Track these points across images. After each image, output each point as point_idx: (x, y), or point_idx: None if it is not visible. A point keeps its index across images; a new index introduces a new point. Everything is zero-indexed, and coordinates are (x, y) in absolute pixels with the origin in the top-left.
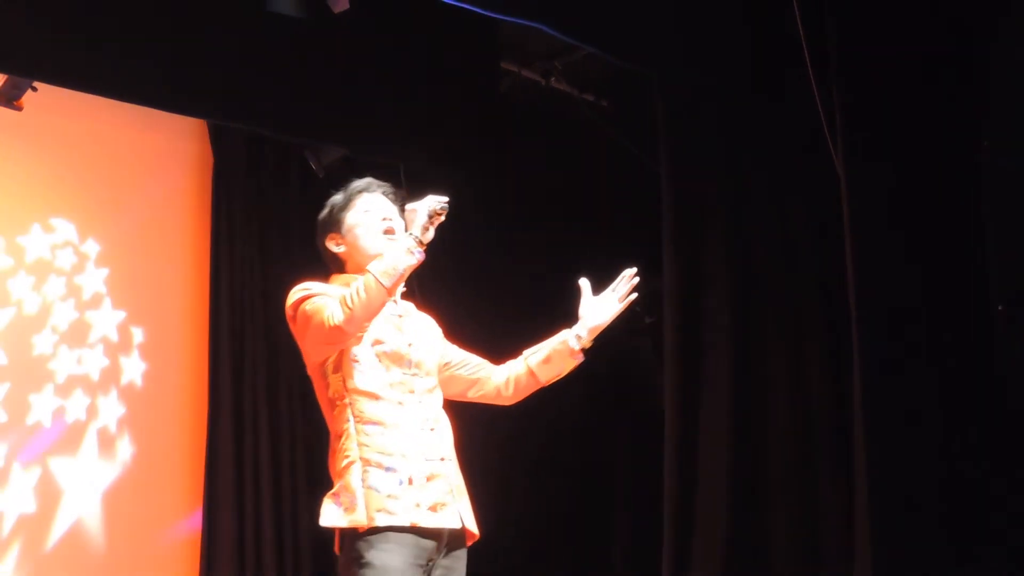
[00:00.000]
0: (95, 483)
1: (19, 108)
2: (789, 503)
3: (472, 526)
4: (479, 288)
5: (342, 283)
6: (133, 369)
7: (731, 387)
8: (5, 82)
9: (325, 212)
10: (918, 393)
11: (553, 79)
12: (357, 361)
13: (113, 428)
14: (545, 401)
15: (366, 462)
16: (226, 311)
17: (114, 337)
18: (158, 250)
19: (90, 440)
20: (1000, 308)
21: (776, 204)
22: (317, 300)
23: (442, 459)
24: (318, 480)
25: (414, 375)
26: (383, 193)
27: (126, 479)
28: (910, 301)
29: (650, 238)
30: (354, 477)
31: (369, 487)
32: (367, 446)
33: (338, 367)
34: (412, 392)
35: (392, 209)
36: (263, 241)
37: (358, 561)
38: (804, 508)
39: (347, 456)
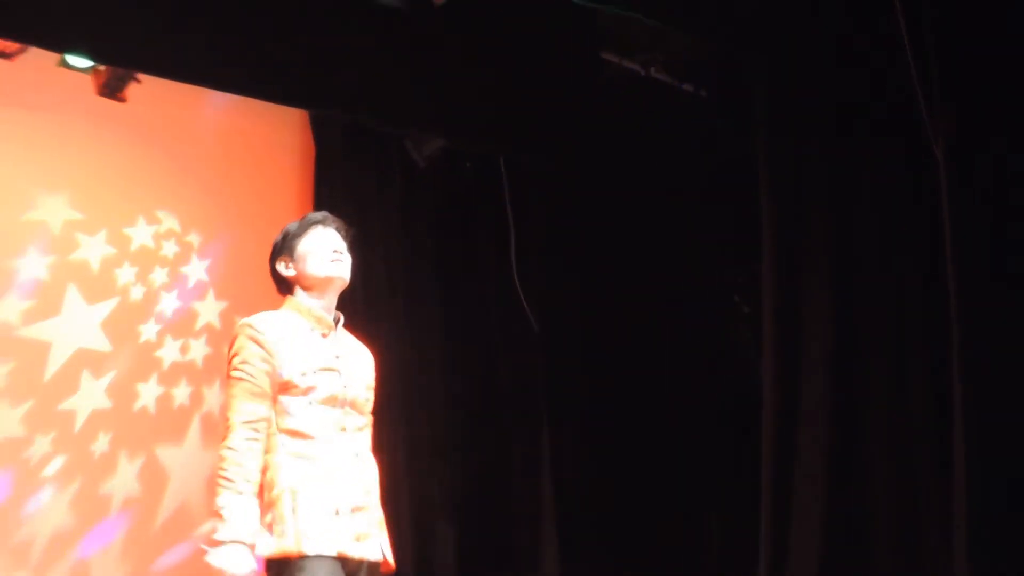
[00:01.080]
0: (199, 469)
1: (123, 100)
2: (888, 489)
3: (390, 558)
4: (594, 269)
5: (293, 307)
6: None
7: (829, 376)
8: (108, 75)
9: (279, 238)
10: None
11: (653, 69)
12: (289, 406)
13: (217, 415)
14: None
15: (295, 492)
16: None
17: (217, 325)
18: (260, 239)
19: (194, 427)
20: None
21: (878, 192)
22: (236, 379)
23: (367, 492)
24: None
25: (346, 414)
26: (335, 228)
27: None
28: (1011, 302)
29: (749, 226)
30: (285, 507)
31: (298, 516)
32: (297, 478)
33: (266, 421)
34: (344, 430)
35: (342, 244)
36: (366, 234)
37: (284, 573)
38: (903, 493)
39: (278, 486)
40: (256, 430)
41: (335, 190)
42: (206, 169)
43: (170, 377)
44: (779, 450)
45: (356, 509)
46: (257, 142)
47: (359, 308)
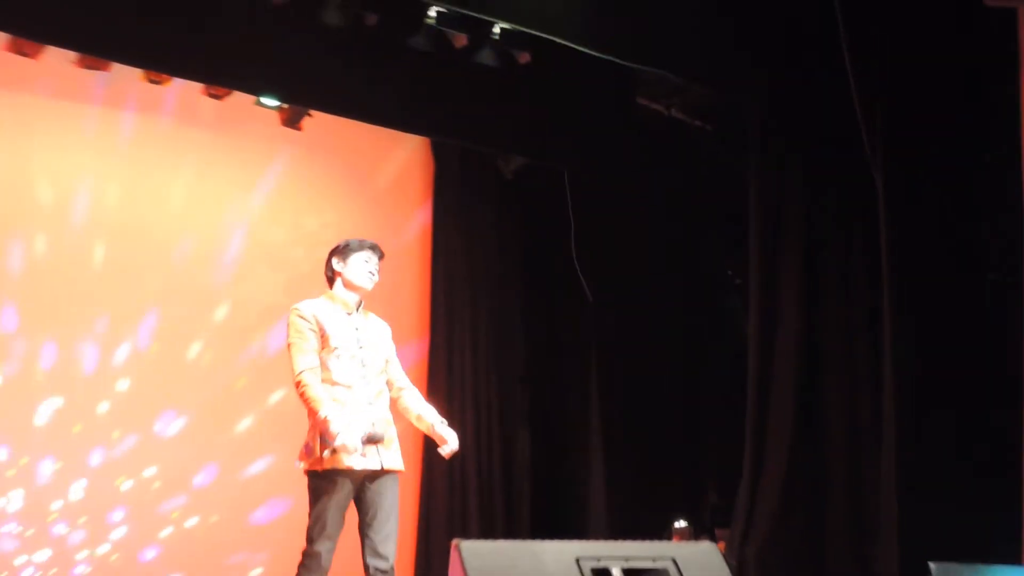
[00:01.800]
0: None
1: (300, 129)
2: (840, 410)
3: (392, 466)
4: (630, 255)
5: (328, 296)
6: None
7: (796, 331)
8: (291, 111)
9: (343, 244)
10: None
11: (673, 110)
12: (325, 361)
13: None
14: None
15: (324, 424)
16: (442, 286)
17: None
18: (394, 229)
19: None
20: None
21: (834, 202)
22: (296, 343)
23: (372, 424)
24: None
25: (363, 366)
26: (378, 256)
27: None
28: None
29: (740, 224)
30: (315, 432)
31: (322, 439)
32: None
33: (318, 366)
34: (363, 377)
35: (377, 266)
36: (470, 228)
37: (315, 489)
38: (851, 414)
39: (311, 421)
40: (313, 372)
41: (449, 195)
42: (358, 175)
43: None
44: (760, 381)
45: (365, 437)
46: (393, 159)
47: (468, 291)
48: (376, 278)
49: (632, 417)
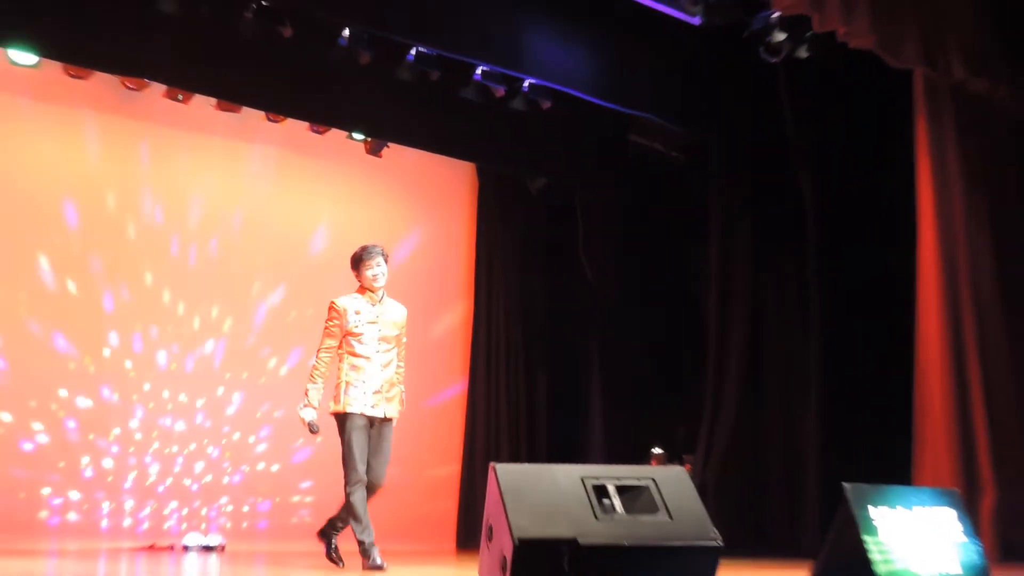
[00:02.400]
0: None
1: (380, 157)
2: (775, 362)
3: (391, 415)
4: (624, 250)
5: (359, 290)
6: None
7: (747, 310)
8: (373, 143)
9: (359, 251)
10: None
11: (657, 143)
12: (350, 341)
13: None
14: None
15: (347, 384)
16: (483, 270)
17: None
18: (448, 239)
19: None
20: None
21: (773, 217)
22: (326, 331)
23: (380, 387)
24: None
25: (379, 342)
26: (383, 257)
27: (417, 374)
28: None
29: (704, 230)
30: (342, 390)
31: (346, 393)
32: (349, 378)
33: (341, 342)
34: (379, 351)
35: (383, 267)
36: (505, 230)
37: (342, 426)
38: (787, 365)
39: (342, 380)
40: (328, 353)
41: (488, 206)
42: (422, 191)
43: None
44: (718, 345)
45: (375, 392)
46: (448, 178)
47: (502, 274)
48: (382, 279)
49: (622, 370)
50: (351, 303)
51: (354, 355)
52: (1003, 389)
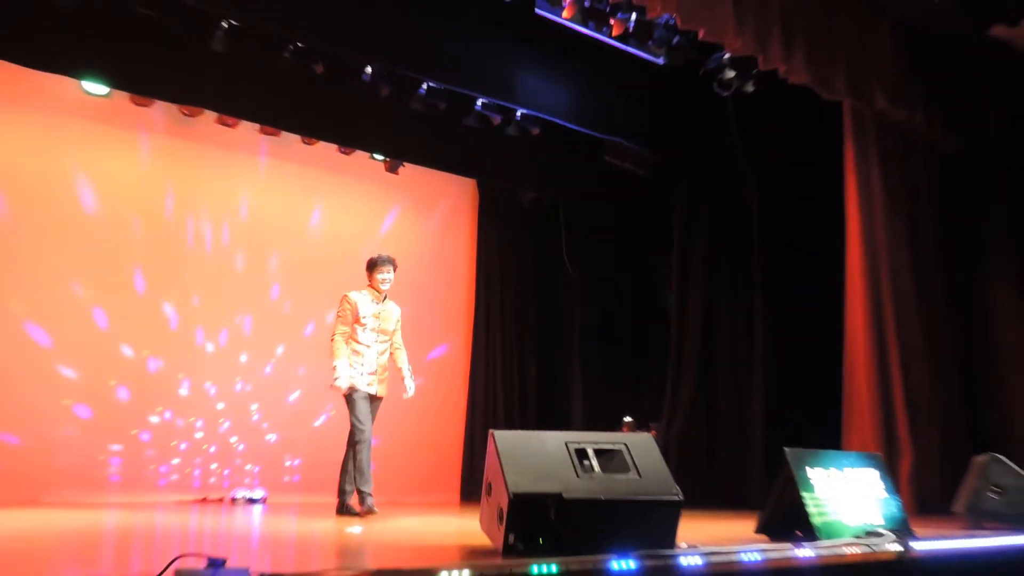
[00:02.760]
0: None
1: (397, 174)
2: (726, 359)
3: (381, 394)
4: (600, 255)
5: (368, 290)
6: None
7: (703, 305)
8: (391, 161)
9: (371, 260)
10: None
11: (627, 163)
12: (356, 330)
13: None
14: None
15: (350, 364)
16: (483, 270)
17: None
18: (449, 245)
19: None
20: None
21: (727, 228)
22: (340, 317)
23: (376, 370)
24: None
25: (377, 333)
26: (391, 266)
27: (427, 357)
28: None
29: (669, 239)
30: (346, 371)
31: (352, 376)
32: (353, 359)
33: (348, 333)
34: (376, 341)
35: (391, 274)
36: (501, 236)
37: (349, 397)
38: (732, 359)
39: (344, 363)
40: (342, 336)
41: (487, 215)
42: (431, 202)
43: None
44: (679, 333)
45: (372, 373)
46: (452, 192)
47: (499, 273)
48: (388, 284)
49: (599, 354)
50: (360, 298)
51: (356, 342)
52: (917, 370)
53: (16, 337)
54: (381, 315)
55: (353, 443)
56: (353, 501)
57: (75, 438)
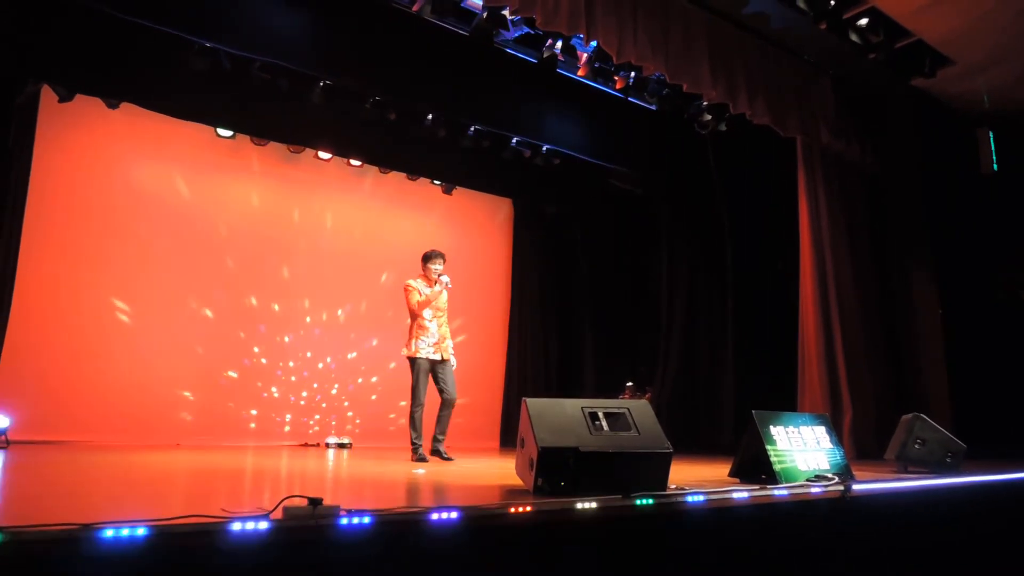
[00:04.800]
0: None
1: (450, 195)
2: (705, 342)
3: (447, 357)
4: (602, 265)
5: (422, 278)
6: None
7: (687, 297)
8: (444, 185)
9: (426, 254)
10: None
11: (628, 186)
12: (419, 307)
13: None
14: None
15: (416, 338)
16: (518, 269)
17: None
18: (488, 257)
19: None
20: None
21: (705, 241)
22: (410, 295)
23: (438, 339)
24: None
25: (435, 311)
26: (443, 259)
27: (473, 338)
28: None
29: (656, 251)
30: (413, 339)
31: (416, 344)
32: (416, 332)
33: (413, 310)
34: (436, 316)
35: (441, 266)
36: (532, 241)
37: (413, 366)
38: (709, 342)
39: (412, 334)
40: (419, 305)
41: (521, 225)
42: (477, 215)
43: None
44: (667, 317)
45: (434, 344)
46: (496, 209)
47: (532, 270)
48: (438, 274)
49: (606, 333)
50: (418, 283)
51: (421, 318)
52: (856, 345)
53: (191, 316)
54: (437, 297)
55: (411, 404)
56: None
57: (219, 394)
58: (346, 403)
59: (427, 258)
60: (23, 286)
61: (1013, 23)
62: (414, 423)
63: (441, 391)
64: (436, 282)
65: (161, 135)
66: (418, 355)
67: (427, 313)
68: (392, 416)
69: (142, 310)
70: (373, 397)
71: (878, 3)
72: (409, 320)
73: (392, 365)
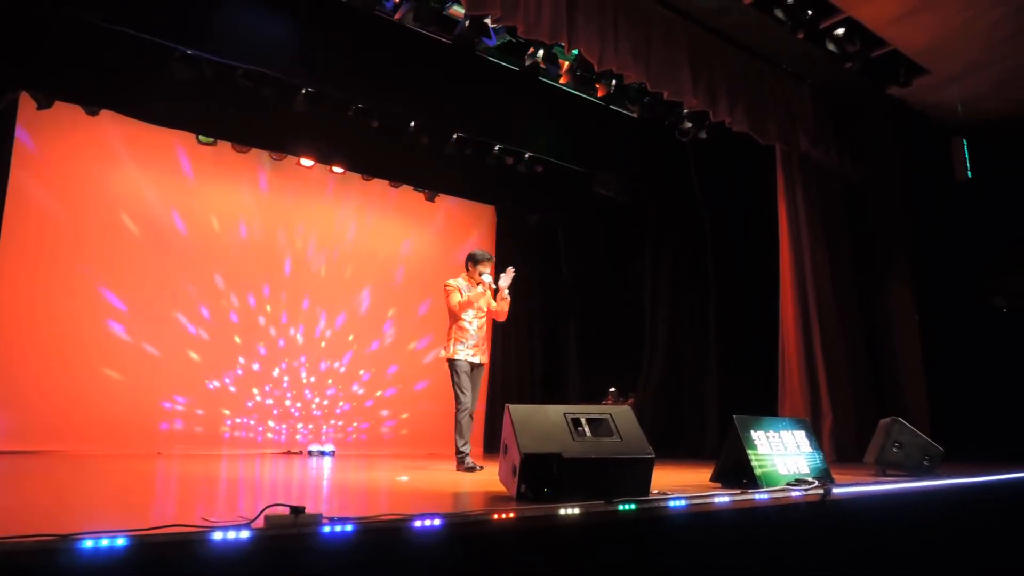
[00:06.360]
0: None
1: (433, 202)
2: (689, 347)
3: (485, 361)
4: (591, 267)
5: (465, 277)
6: None
7: (669, 304)
8: (428, 192)
9: (476, 251)
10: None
11: (613, 193)
12: (460, 308)
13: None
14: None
15: (455, 339)
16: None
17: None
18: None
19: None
20: None
21: (688, 244)
22: (450, 295)
23: (479, 341)
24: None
25: (476, 310)
26: (491, 262)
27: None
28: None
29: (641, 257)
30: (452, 342)
31: (455, 346)
32: (456, 335)
33: (454, 311)
34: (478, 317)
35: (490, 267)
36: (516, 247)
37: (453, 368)
38: (692, 348)
39: (451, 335)
40: (459, 305)
41: (504, 233)
42: (461, 223)
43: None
44: (651, 324)
45: (474, 346)
46: (479, 216)
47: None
48: (485, 276)
49: (590, 339)
50: (459, 283)
51: (460, 319)
52: (835, 352)
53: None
54: (479, 297)
55: (457, 410)
56: (474, 455)
57: (200, 404)
58: (330, 411)
59: (475, 260)
60: (1, 295)
61: (986, 35)
62: (460, 429)
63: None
64: (479, 283)
65: (142, 142)
66: (456, 357)
67: (469, 314)
68: (372, 425)
69: (122, 319)
70: (360, 405)
71: (855, 13)
72: (449, 321)
73: (361, 374)
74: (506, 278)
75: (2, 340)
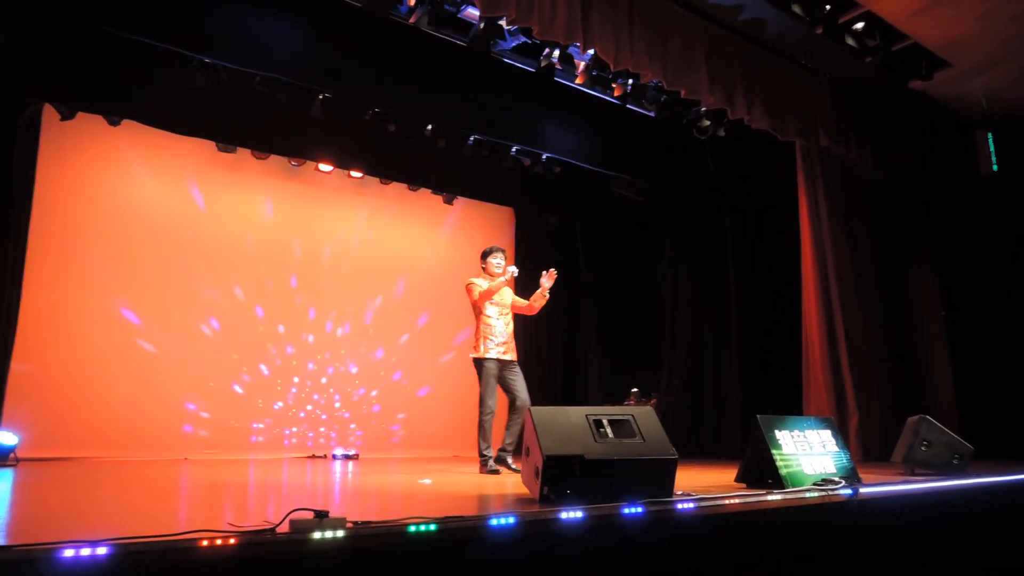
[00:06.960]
0: None
1: (452, 205)
2: (710, 345)
3: (514, 358)
4: (607, 266)
5: (484, 277)
6: None
7: (690, 303)
8: (445, 195)
9: (489, 249)
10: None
11: (630, 194)
12: (485, 303)
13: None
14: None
15: (484, 338)
16: (520, 288)
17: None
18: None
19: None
20: None
21: (706, 242)
22: (472, 291)
23: (507, 339)
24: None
25: (500, 307)
26: (503, 255)
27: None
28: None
29: (659, 253)
30: (480, 340)
31: (484, 344)
32: (484, 332)
33: (479, 306)
34: (502, 314)
35: (503, 261)
36: (535, 247)
37: (480, 368)
38: (714, 346)
39: (479, 333)
40: (481, 300)
41: (523, 234)
42: (480, 224)
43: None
44: (671, 323)
45: (503, 343)
46: (497, 218)
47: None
48: (501, 269)
49: (610, 340)
50: (479, 280)
51: (486, 315)
52: (860, 350)
53: (197, 331)
54: (504, 290)
55: (480, 412)
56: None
57: (230, 408)
58: (355, 414)
59: (485, 254)
60: (29, 304)
61: (1009, 26)
62: (483, 432)
63: (511, 396)
64: (501, 275)
65: (163, 151)
66: (486, 356)
67: (492, 311)
68: (395, 428)
69: (148, 326)
70: (376, 409)
71: (874, 7)
72: (476, 321)
73: (382, 376)
74: (548, 280)
75: (32, 350)
